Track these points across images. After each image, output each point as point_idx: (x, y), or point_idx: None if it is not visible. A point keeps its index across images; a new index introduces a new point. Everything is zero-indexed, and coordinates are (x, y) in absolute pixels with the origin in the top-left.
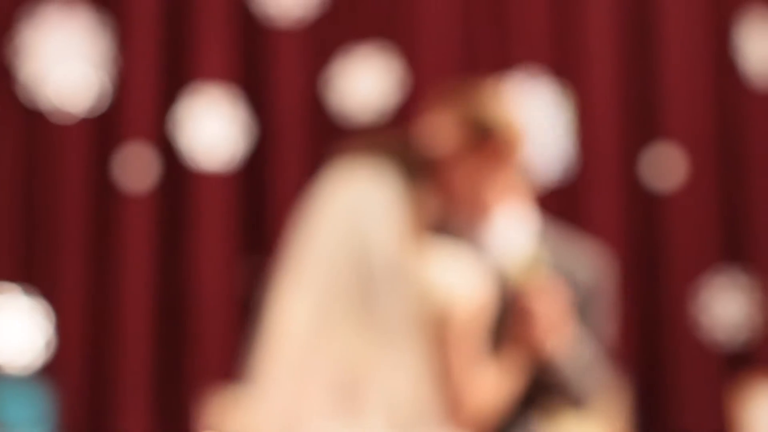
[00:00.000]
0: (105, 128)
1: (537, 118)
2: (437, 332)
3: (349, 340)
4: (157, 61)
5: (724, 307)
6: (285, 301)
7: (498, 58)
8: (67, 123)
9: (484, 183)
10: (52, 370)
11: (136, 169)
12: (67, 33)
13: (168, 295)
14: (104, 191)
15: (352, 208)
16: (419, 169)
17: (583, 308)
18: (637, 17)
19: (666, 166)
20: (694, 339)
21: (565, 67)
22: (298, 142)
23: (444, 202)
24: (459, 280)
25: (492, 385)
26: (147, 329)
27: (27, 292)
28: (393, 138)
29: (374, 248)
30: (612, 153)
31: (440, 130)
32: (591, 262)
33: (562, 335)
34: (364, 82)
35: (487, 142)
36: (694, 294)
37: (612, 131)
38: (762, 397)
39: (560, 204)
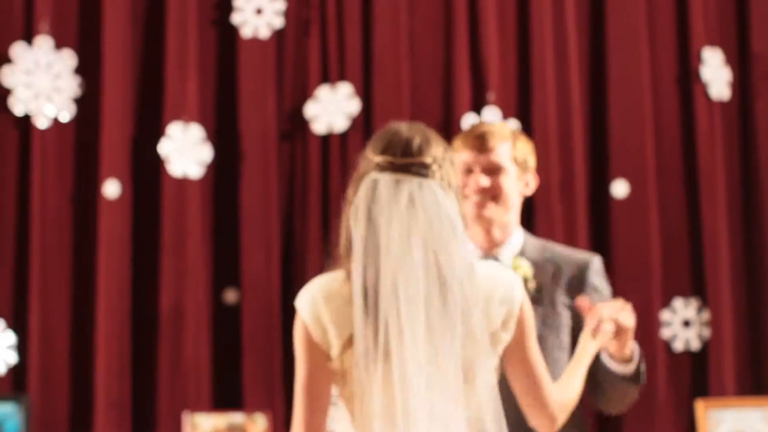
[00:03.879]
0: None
1: None
2: (517, 331)
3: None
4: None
5: (675, 321)
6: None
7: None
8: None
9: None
10: (26, 386)
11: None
12: (49, 71)
13: (144, 303)
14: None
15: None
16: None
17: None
18: (590, 62)
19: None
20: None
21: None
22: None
23: None
24: (512, 278)
25: (572, 381)
26: (123, 339)
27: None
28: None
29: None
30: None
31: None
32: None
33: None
34: (328, 116)
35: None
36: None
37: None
38: (715, 412)
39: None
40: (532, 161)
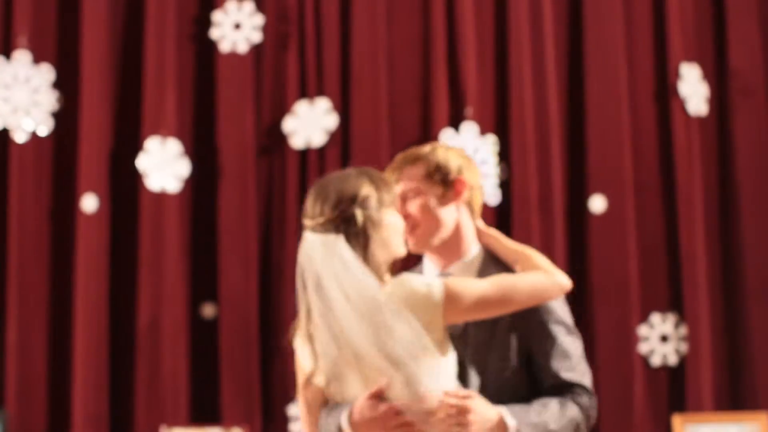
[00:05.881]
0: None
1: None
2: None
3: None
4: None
5: (654, 335)
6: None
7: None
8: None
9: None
10: (4, 400)
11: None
12: (27, 85)
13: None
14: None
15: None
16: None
17: (524, 325)
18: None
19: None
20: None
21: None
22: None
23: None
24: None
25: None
26: (101, 353)
27: None
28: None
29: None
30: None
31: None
32: None
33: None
34: (306, 131)
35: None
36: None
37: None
38: (693, 427)
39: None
40: (455, 169)
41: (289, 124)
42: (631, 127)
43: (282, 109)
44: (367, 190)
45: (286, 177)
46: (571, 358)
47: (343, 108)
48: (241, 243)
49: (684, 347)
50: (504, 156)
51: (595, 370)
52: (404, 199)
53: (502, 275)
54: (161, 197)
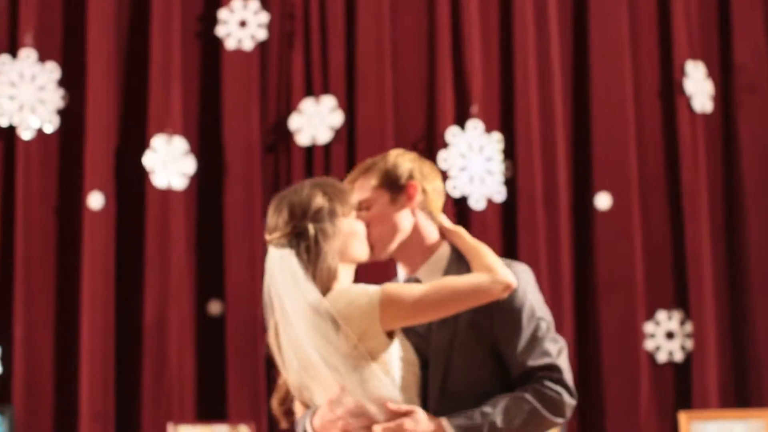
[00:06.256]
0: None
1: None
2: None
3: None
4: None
5: (660, 329)
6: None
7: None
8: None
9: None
10: (11, 397)
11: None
12: (33, 83)
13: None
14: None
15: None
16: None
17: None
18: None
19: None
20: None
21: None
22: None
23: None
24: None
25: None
26: (107, 350)
27: None
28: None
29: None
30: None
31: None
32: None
33: None
34: (312, 129)
35: None
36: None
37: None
38: (699, 424)
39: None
40: (405, 174)
41: (294, 122)
42: (636, 124)
43: (287, 106)
44: (319, 202)
45: (292, 174)
46: (536, 343)
47: (348, 105)
48: (247, 240)
49: (690, 344)
50: (509, 153)
51: (600, 366)
52: (359, 209)
53: (443, 279)
54: (167, 194)
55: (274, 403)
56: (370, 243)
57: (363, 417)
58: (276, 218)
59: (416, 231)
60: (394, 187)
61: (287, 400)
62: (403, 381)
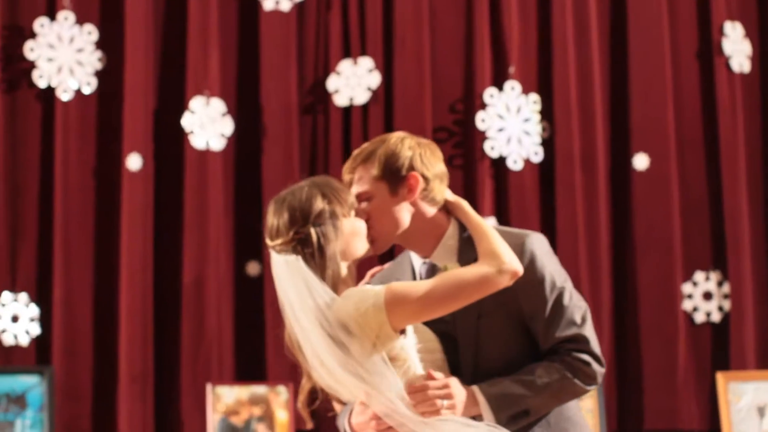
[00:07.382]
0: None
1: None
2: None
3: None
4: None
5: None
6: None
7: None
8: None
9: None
10: (50, 358)
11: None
12: (72, 45)
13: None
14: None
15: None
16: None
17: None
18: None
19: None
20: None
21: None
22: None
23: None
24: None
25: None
26: (146, 311)
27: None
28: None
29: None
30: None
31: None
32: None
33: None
34: (349, 90)
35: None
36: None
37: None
38: (736, 385)
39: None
40: (405, 165)
41: (332, 83)
42: (674, 84)
43: (325, 67)
44: (319, 205)
45: (330, 135)
46: (563, 313)
47: (386, 67)
48: None
49: (727, 305)
50: (547, 115)
51: (638, 327)
52: (359, 200)
53: (447, 273)
54: (205, 155)
55: (300, 404)
56: (372, 238)
57: (395, 415)
58: (276, 222)
59: (422, 218)
60: (395, 178)
61: (314, 400)
62: (425, 371)
